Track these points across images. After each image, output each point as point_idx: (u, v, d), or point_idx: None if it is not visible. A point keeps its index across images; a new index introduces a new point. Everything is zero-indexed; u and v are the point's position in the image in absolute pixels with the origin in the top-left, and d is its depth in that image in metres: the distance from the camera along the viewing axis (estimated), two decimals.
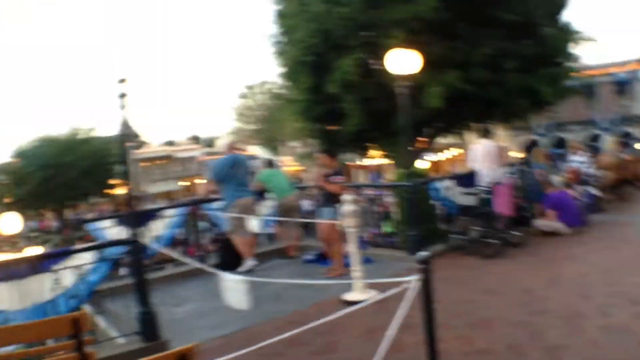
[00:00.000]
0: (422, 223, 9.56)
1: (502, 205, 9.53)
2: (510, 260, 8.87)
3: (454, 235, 9.71)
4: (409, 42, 10.57)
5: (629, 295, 6.61)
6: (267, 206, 10.87)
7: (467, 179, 10.59)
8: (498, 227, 9.33)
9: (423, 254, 4.10)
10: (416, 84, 10.68)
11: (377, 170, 37.93)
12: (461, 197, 10.14)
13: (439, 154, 37.80)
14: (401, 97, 9.45)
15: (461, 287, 7.66)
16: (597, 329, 5.67)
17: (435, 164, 37.73)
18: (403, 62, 9.37)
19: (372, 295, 6.43)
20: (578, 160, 13.32)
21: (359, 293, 7.15)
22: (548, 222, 10.51)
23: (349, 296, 7.15)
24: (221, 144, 46.08)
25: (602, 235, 10.24)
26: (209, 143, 68.77)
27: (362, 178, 39.49)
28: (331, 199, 8.57)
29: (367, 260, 8.57)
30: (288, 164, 47.30)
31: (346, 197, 7.61)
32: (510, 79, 12.19)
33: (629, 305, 6.28)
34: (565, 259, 8.74)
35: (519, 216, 10.15)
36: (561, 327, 5.81)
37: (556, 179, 11.34)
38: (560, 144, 29.53)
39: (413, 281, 4.12)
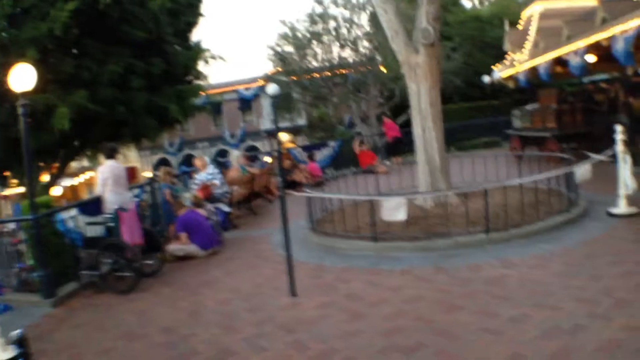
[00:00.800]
0: (52, 260, 8.24)
1: (130, 233, 8.57)
2: (147, 294, 8.04)
3: (86, 271, 8.48)
4: (41, 62, 9.61)
5: (278, 321, 6.18)
6: None
7: (93, 206, 9.40)
8: (129, 257, 8.34)
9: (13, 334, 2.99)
10: (45, 105, 9.62)
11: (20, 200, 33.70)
12: (88, 227, 8.95)
13: (75, 179, 35.23)
14: (22, 119, 7.98)
15: (99, 333, 6.62)
16: None
17: (70, 191, 35.06)
18: (22, 79, 7.89)
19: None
20: (206, 176, 12.97)
21: None
22: (181, 245, 9.85)
23: None
24: None
25: (238, 255, 9.91)
26: None
27: (6, 210, 34.80)
28: None
29: (4, 309, 7.48)
30: None
31: None
32: (138, 97, 11.79)
33: (282, 333, 5.82)
34: (204, 286, 8.14)
35: (151, 242, 9.27)
36: None
37: (186, 197, 10.74)
38: (190, 161, 29.72)
39: None
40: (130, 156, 25.31)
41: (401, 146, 21.83)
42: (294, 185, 15.61)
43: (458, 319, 5.63)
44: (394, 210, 8.63)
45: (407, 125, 23.49)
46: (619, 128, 8.86)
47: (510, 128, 19.80)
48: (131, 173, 13.37)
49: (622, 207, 8.84)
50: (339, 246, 9.28)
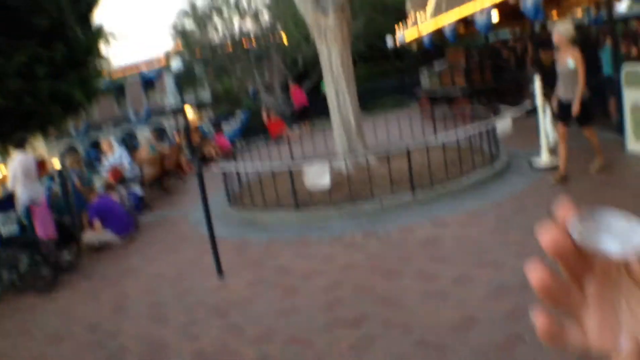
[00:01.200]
0: None
1: (43, 228, 7.93)
2: (67, 290, 7.46)
3: (6, 272, 7.79)
4: None
5: (209, 305, 5.85)
6: None
7: (6, 203, 8.69)
8: (45, 253, 7.70)
9: None
10: None
11: None
12: (2, 225, 8.24)
13: None
14: None
15: (26, 340, 6.03)
16: None
17: None
18: None
19: None
20: (115, 158, 12.33)
21: None
22: (96, 234, 9.23)
23: None
24: None
25: (157, 238, 9.44)
26: None
27: None
28: None
29: None
30: None
31: None
32: (43, 86, 11.36)
33: (214, 318, 5.49)
34: (125, 275, 7.66)
35: (65, 234, 8.63)
36: None
37: (97, 182, 10.12)
38: (97, 145, 28.59)
39: None
40: (39, 147, 24.09)
41: (308, 113, 21.61)
42: (205, 160, 15.09)
43: (398, 285, 5.45)
44: (317, 176, 8.35)
45: (313, 92, 23.28)
46: (537, 80, 8.83)
47: (418, 88, 19.82)
48: (41, 165, 12.62)
49: (544, 159, 8.86)
50: (260, 219, 8.97)
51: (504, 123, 9.24)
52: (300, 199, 8.73)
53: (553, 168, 8.42)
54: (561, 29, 7.64)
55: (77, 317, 6.36)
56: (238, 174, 10.49)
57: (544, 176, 8.25)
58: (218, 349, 4.81)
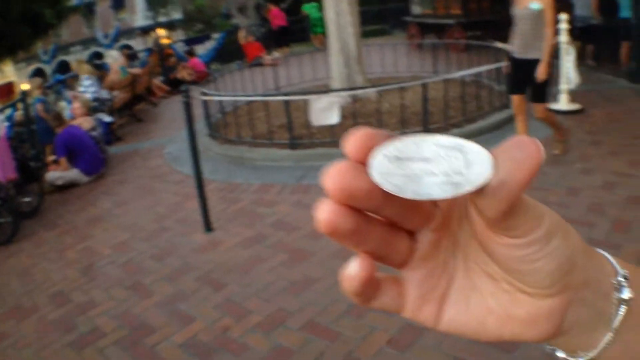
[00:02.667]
0: None
1: (1, 167, 6.64)
2: (29, 243, 6.32)
3: None
4: None
5: (198, 271, 4.85)
6: None
7: None
8: (3, 198, 6.46)
9: None
10: None
11: None
12: None
13: None
14: None
15: None
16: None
17: None
18: None
19: None
20: (85, 84, 11.01)
21: None
22: (61, 172, 7.98)
23: None
24: None
25: (128, 176, 8.28)
26: None
27: None
28: None
29: None
30: None
31: None
32: (14, 6, 10.44)
33: (207, 289, 4.50)
34: (94, 224, 6.51)
35: (26, 173, 7.35)
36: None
37: (64, 110, 8.81)
38: (65, 68, 26.55)
39: None
40: (7, 71, 22.55)
41: (287, 35, 20.30)
42: (178, 83, 13.77)
43: None
44: (326, 111, 7.23)
45: (291, 14, 21.87)
46: (564, 17, 7.59)
47: (404, 15, 18.50)
48: (7, 89, 11.44)
49: (563, 103, 7.81)
50: (248, 156, 7.86)
51: None
52: (295, 134, 7.65)
53: (574, 112, 7.39)
54: None
55: (40, 280, 5.24)
56: (220, 102, 9.27)
57: (564, 122, 7.10)
58: (217, 336, 3.81)
